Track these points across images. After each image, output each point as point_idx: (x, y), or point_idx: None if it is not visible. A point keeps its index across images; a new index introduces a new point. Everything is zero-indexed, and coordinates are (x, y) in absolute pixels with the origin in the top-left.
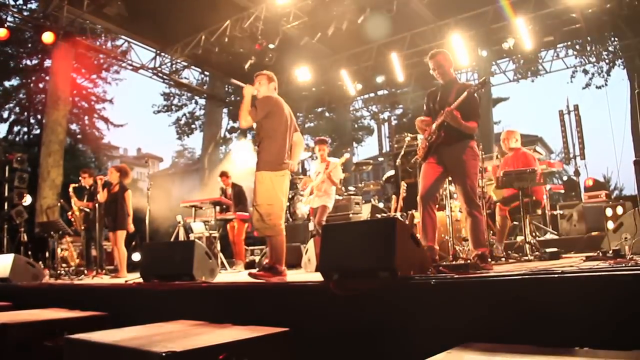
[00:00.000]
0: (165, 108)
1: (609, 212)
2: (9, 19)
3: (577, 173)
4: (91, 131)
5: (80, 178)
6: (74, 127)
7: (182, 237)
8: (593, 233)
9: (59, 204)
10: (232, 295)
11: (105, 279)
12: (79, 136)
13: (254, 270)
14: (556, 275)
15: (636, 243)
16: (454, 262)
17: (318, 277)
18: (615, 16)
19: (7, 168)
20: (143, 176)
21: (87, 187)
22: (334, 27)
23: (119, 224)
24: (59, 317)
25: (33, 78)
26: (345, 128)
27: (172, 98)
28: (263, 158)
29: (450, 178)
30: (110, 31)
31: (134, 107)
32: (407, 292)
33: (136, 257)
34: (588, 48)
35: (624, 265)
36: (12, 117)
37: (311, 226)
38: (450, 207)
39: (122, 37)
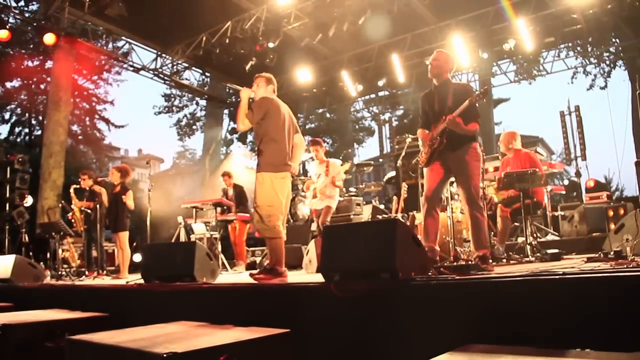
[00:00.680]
0: (166, 109)
1: (610, 213)
2: (11, 20)
3: (578, 174)
4: (92, 132)
5: (80, 179)
6: (75, 128)
7: (183, 238)
8: (594, 234)
9: (60, 205)
10: (233, 297)
11: (106, 280)
12: (80, 137)
13: (254, 272)
14: (557, 277)
15: (637, 244)
16: (455, 264)
17: (319, 278)
18: (616, 17)
19: (8, 169)
20: (144, 177)
21: (88, 188)
22: (335, 28)
23: (121, 225)
24: (60, 318)
25: (34, 79)
26: (346, 129)
27: (173, 99)
28: (263, 159)
29: (452, 179)
30: (111, 32)
31: (135, 108)
32: (408, 293)
33: (137, 258)
34: (589, 49)
35: (625, 266)
36: (14, 118)
37: (314, 227)
38: (452, 208)
39: (123, 38)
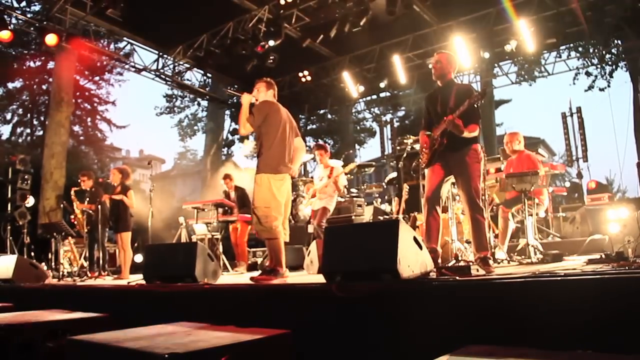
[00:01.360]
0: (168, 110)
1: (612, 214)
2: (13, 21)
3: (579, 175)
4: (94, 133)
5: (79, 181)
6: (76, 128)
7: (184, 238)
8: (596, 236)
9: (61, 206)
10: (234, 297)
11: (107, 281)
12: (81, 138)
13: (255, 274)
14: (559, 278)
15: (639, 246)
16: (456, 265)
17: (320, 279)
18: (618, 18)
19: (10, 169)
20: (145, 178)
21: (88, 190)
22: (336, 29)
23: (123, 225)
24: (62, 318)
25: (36, 80)
26: (348, 130)
27: (174, 100)
28: (263, 161)
29: (453, 180)
30: (113, 33)
31: (136, 109)
32: (410, 294)
33: (138, 258)
34: (591, 50)
35: (627, 267)
36: (15, 118)
37: (311, 228)
38: (453, 209)
39: (125, 39)
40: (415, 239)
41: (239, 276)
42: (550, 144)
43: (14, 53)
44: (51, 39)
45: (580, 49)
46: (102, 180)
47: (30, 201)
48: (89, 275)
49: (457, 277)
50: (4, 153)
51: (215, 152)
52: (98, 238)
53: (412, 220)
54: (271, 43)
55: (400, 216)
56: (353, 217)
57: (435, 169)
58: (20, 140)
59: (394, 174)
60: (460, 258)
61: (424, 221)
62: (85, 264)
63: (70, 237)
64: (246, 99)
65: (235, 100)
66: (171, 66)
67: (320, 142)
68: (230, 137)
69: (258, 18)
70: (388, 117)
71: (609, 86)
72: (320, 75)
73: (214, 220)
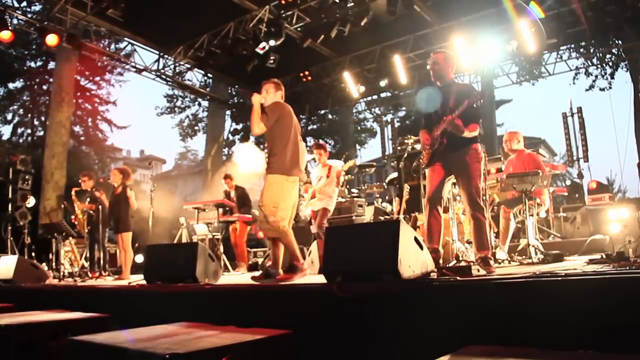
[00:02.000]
0: (169, 110)
1: (612, 214)
2: (14, 21)
3: (580, 175)
4: (94, 133)
5: (80, 181)
6: (77, 129)
7: (185, 238)
8: (596, 236)
9: (62, 206)
10: (235, 298)
11: (108, 281)
12: (82, 138)
13: (281, 274)
14: (560, 278)
15: None
16: (457, 265)
17: (321, 279)
18: (619, 18)
19: (10, 170)
20: (146, 178)
21: (89, 190)
22: (337, 29)
23: (123, 225)
24: (62, 318)
25: (37, 80)
26: (348, 130)
27: (175, 100)
28: (276, 162)
29: (454, 180)
30: (113, 33)
31: (137, 109)
32: (411, 294)
33: (139, 258)
34: (591, 50)
35: (627, 267)
36: (16, 119)
37: (313, 229)
38: (454, 210)
39: (126, 39)
40: (416, 239)
41: (239, 276)
42: (550, 144)
43: (14, 53)
44: (52, 39)
45: (581, 49)
46: (103, 181)
47: (30, 201)
48: (90, 275)
49: (458, 277)
50: (4, 153)
51: (216, 152)
52: (99, 238)
53: (412, 221)
54: (272, 43)
55: (401, 216)
56: (354, 218)
57: (435, 169)
58: (21, 140)
59: (394, 174)
60: (461, 258)
61: (426, 221)
62: (86, 264)
63: (70, 238)
64: (257, 98)
65: (236, 101)
66: (172, 66)
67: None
68: (230, 138)
69: (259, 18)
70: (389, 117)
71: (609, 86)
72: (320, 75)
73: (215, 220)
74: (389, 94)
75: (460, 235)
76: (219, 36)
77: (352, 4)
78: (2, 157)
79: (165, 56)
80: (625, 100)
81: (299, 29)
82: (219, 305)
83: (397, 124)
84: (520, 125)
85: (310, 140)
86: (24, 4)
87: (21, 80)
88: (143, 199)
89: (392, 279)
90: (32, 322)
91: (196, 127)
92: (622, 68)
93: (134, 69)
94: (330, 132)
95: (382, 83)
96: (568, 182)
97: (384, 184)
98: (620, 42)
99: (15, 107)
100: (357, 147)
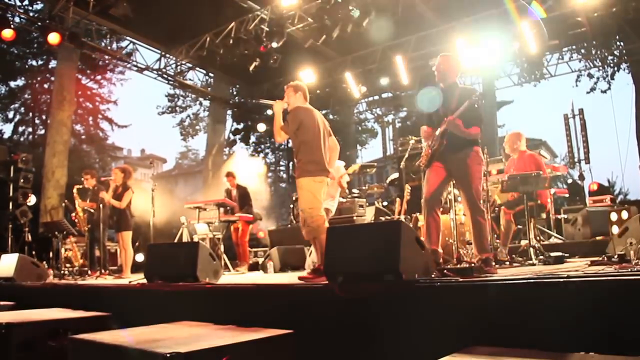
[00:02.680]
0: (170, 109)
1: (613, 216)
2: (15, 19)
3: (581, 177)
4: (95, 132)
5: (83, 179)
6: (78, 127)
7: (185, 238)
8: (598, 237)
9: (63, 204)
10: (235, 297)
11: (108, 280)
12: (83, 137)
13: (302, 274)
14: (561, 280)
15: None
16: (458, 266)
17: (322, 279)
18: (621, 20)
19: (12, 168)
20: (147, 177)
21: (91, 188)
22: (339, 29)
23: (124, 224)
24: (63, 317)
25: (38, 78)
26: (349, 130)
27: (176, 99)
28: (302, 166)
29: (454, 182)
30: (115, 32)
31: (138, 108)
32: (412, 295)
33: (139, 257)
34: (593, 52)
35: (629, 269)
36: (17, 117)
37: None
38: (455, 211)
39: (127, 38)
40: (417, 240)
41: (240, 276)
42: (552, 146)
43: (16, 52)
44: (53, 38)
45: (582, 50)
46: (105, 179)
47: (31, 200)
48: (90, 274)
49: (460, 279)
50: (5, 152)
51: (217, 152)
52: (99, 237)
53: (413, 221)
54: (274, 45)
55: (402, 217)
56: (355, 218)
57: (435, 170)
58: (22, 139)
59: (395, 175)
60: (462, 259)
61: (424, 222)
62: (87, 262)
63: (71, 236)
64: (278, 106)
65: (238, 100)
66: (173, 66)
67: None
68: (232, 137)
69: (261, 18)
70: (390, 117)
71: (610, 88)
72: (322, 75)
73: (216, 220)
74: (390, 95)
75: (461, 236)
76: (221, 36)
77: (354, 4)
78: (3, 155)
79: (167, 55)
80: (626, 102)
81: (300, 29)
82: (220, 305)
83: (398, 125)
84: (521, 126)
85: None
86: (26, 2)
87: (22, 78)
88: (144, 198)
89: (393, 280)
90: (33, 320)
91: (197, 127)
92: (623, 70)
93: (135, 68)
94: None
95: (383, 81)
96: (570, 181)
97: (385, 184)
98: (621, 43)
99: (16, 105)
100: (358, 147)
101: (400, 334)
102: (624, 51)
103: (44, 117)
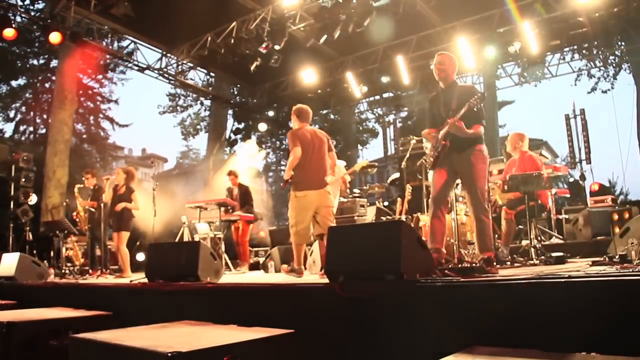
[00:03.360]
0: (171, 109)
1: (615, 216)
2: (17, 19)
3: (582, 177)
4: (96, 131)
5: (83, 178)
6: (79, 127)
7: (186, 237)
8: (599, 238)
9: (64, 204)
10: (236, 297)
11: (109, 279)
12: (84, 136)
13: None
14: (563, 280)
15: None
16: (459, 266)
17: (323, 278)
18: (622, 20)
19: (13, 167)
20: (147, 177)
21: (91, 187)
22: (340, 29)
23: (124, 225)
24: (64, 316)
25: (40, 78)
26: (350, 130)
27: (177, 99)
28: (292, 180)
29: (458, 181)
30: (116, 32)
31: (139, 108)
32: (413, 295)
33: (140, 257)
34: (594, 52)
35: (630, 270)
36: (19, 116)
37: None
38: (456, 211)
39: (129, 37)
40: (418, 240)
41: (241, 276)
42: (553, 146)
43: (17, 51)
44: (55, 37)
45: (584, 51)
46: (107, 179)
47: (32, 199)
48: (91, 273)
49: (461, 278)
50: (7, 151)
51: (218, 151)
52: (99, 236)
53: (414, 221)
54: (276, 48)
55: (403, 217)
56: (355, 218)
57: (440, 171)
58: (23, 138)
59: (396, 175)
60: (463, 259)
61: (429, 221)
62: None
63: (72, 235)
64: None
65: (239, 100)
66: (174, 65)
67: None
68: (232, 137)
69: (262, 18)
70: (391, 117)
71: (613, 87)
72: (323, 75)
73: (217, 219)
74: (391, 95)
75: (462, 236)
76: (222, 35)
77: (355, 3)
78: (5, 154)
79: (168, 55)
80: (628, 102)
81: (302, 28)
82: (221, 304)
83: (399, 125)
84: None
85: None
86: (28, 1)
87: (24, 78)
88: (145, 198)
89: (394, 280)
90: (34, 319)
91: (198, 126)
92: (624, 70)
93: (136, 68)
94: (332, 132)
95: (384, 79)
96: (571, 181)
97: (386, 184)
98: (623, 44)
99: (17, 104)
100: (359, 147)
101: (401, 333)
102: (625, 51)
103: (45, 116)
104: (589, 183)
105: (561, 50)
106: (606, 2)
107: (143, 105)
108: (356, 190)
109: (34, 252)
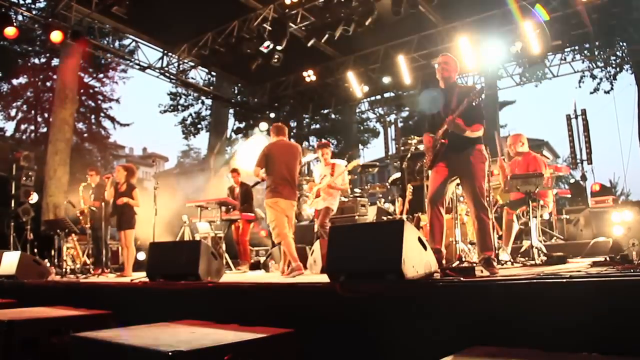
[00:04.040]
0: (172, 108)
1: (616, 217)
2: (18, 17)
3: (583, 178)
4: (97, 130)
5: (87, 175)
6: (80, 125)
7: (187, 236)
8: (600, 238)
9: (65, 202)
10: (237, 296)
11: (110, 278)
12: (85, 135)
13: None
14: (564, 280)
15: None
16: (460, 266)
17: (324, 278)
18: (623, 20)
19: (14, 166)
20: (148, 176)
21: (94, 186)
22: (342, 28)
23: (127, 223)
24: (65, 314)
25: (41, 76)
26: (351, 130)
27: (178, 98)
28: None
29: (458, 181)
30: (117, 30)
31: (140, 107)
32: (414, 294)
33: (141, 256)
34: (596, 52)
35: (631, 270)
36: (20, 115)
37: (316, 228)
38: (457, 210)
39: (130, 36)
40: (419, 240)
41: (242, 275)
42: (554, 147)
43: (19, 50)
44: (56, 36)
45: (585, 51)
46: (108, 177)
47: (34, 198)
48: (92, 272)
49: (462, 278)
50: (8, 149)
51: (219, 150)
52: (101, 235)
53: (415, 221)
54: (278, 48)
55: (404, 216)
56: (356, 217)
57: (438, 170)
58: (24, 136)
59: (397, 175)
60: (464, 259)
61: (428, 221)
62: (88, 260)
63: (73, 234)
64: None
65: (240, 99)
66: (176, 64)
67: (324, 140)
68: (234, 136)
69: (263, 17)
70: (392, 117)
71: (613, 88)
72: (324, 74)
73: (217, 218)
74: (392, 94)
75: (463, 236)
76: (223, 34)
77: (356, 3)
78: (6, 153)
79: (169, 54)
80: (629, 102)
81: (303, 27)
82: (222, 303)
83: (400, 124)
84: (523, 126)
85: (313, 140)
86: (29, 0)
87: (25, 76)
88: (145, 197)
89: (395, 279)
90: (35, 317)
91: (199, 125)
92: (626, 70)
93: (137, 67)
94: (333, 132)
95: (385, 79)
96: (572, 181)
97: (387, 184)
98: (624, 44)
99: (18, 103)
100: (360, 147)
101: (401, 333)
102: (627, 52)
103: (46, 115)
104: (590, 183)
105: (562, 51)
106: (608, 2)
107: (144, 104)
108: (357, 190)
109: (35, 250)
